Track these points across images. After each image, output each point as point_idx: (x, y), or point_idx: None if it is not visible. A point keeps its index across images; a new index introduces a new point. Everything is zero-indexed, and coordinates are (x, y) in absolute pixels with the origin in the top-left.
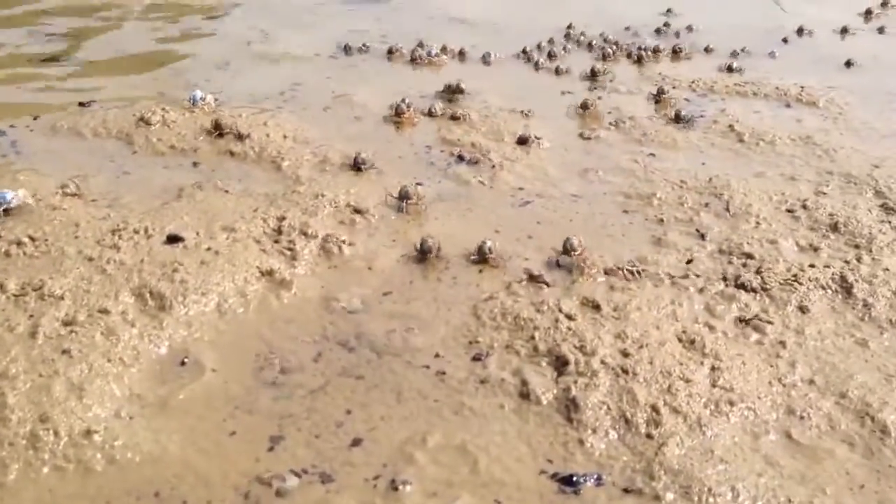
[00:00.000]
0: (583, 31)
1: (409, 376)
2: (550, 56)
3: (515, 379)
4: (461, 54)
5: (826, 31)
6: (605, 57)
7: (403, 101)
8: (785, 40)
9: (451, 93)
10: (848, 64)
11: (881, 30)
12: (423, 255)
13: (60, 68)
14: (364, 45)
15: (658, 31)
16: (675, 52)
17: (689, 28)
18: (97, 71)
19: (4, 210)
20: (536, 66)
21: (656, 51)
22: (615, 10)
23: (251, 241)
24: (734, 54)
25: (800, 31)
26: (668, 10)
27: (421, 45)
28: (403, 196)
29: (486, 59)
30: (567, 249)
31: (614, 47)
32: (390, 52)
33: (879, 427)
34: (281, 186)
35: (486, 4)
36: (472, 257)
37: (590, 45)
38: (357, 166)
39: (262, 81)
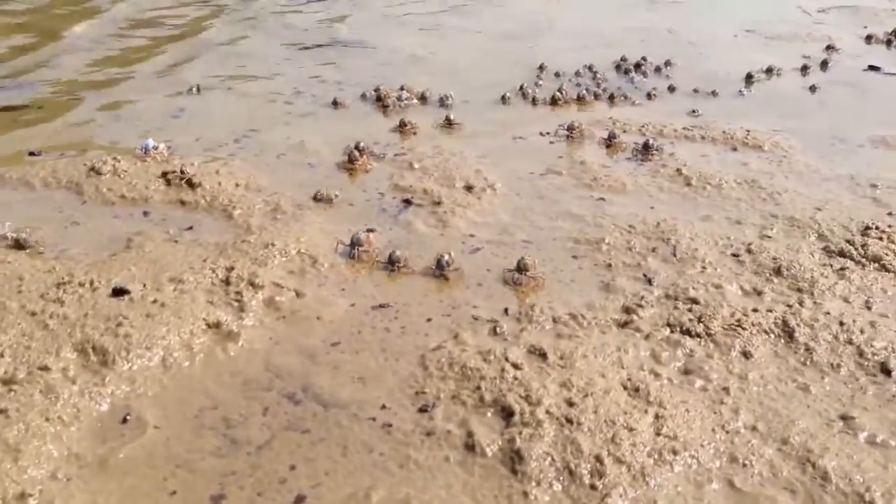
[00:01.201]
0: (539, 80)
1: (355, 429)
2: (504, 100)
3: (461, 430)
4: (423, 98)
5: (771, 75)
6: (555, 101)
7: (357, 147)
8: (734, 85)
9: (403, 133)
10: (792, 107)
11: (815, 70)
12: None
13: (10, 116)
14: (318, 91)
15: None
16: (625, 98)
17: (640, 69)
18: (49, 119)
19: None
20: (497, 106)
21: (597, 96)
22: (574, 51)
23: (199, 293)
24: (677, 98)
25: (748, 78)
26: (623, 58)
27: (377, 90)
28: (355, 243)
29: (443, 102)
30: (520, 267)
31: (564, 93)
32: (335, 103)
33: (820, 474)
34: (231, 235)
35: (441, 50)
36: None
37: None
38: (317, 199)
39: (216, 129)
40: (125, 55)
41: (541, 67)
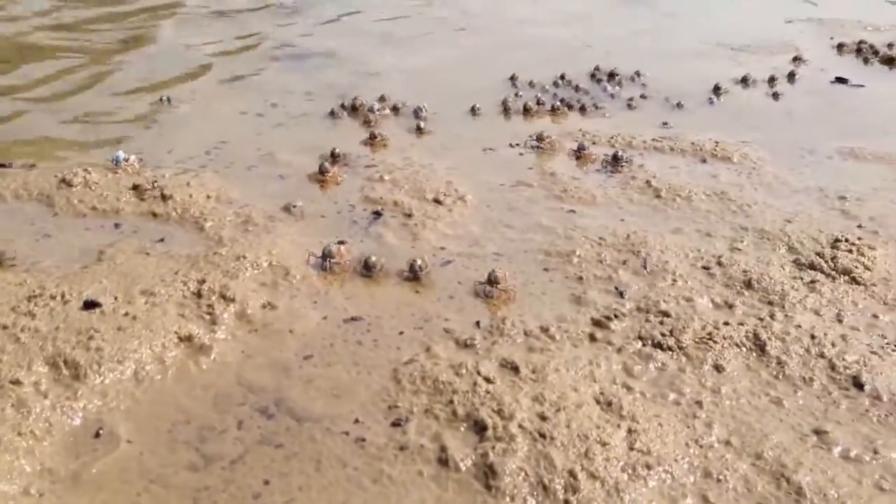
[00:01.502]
0: (511, 91)
1: (329, 443)
2: (474, 111)
3: (434, 445)
4: (395, 109)
5: (739, 86)
6: (526, 112)
7: (332, 154)
8: (703, 96)
9: (374, 145)
10: (760, 119)
11: (783, 82)
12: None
13: None
14: (289, 102)
15: (589, 82)
16: (596, 108)
17: (613, 80)
18: (18, 130)
19: None
20: (468, 117)
21: (570, 107)
22: (550, 61)
23: (170, 306)
24: (647, 109)
25: (717, 89)
26: (597, 68)
27: (352, 101)
28: (326, 255)
29: (417, 114)
30: (491, 280)
31: (535, 104)
32: (306, 114)
33: (794, 489)
34: (203, 248)
35: (411, 60)
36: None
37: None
38: (288, 211)
39: (187, 141)
40: (94, 65)
41: (512, 78)
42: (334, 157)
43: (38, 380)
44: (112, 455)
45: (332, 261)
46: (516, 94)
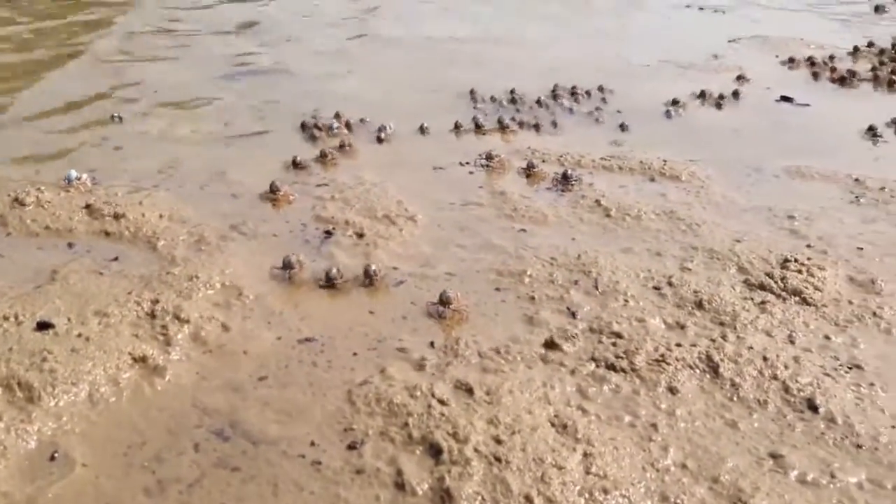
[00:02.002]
0: (466, 109)
1: (285, 466)
2: (423, 130)
3: (391, 468)
4: (348, 126)
5: (686, 104)
6: (478, 129)
7: (294, 162)
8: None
9: (325, 164)
10: (707, 137)
11: (728, 100)
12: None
13: None
14: (242, 120)
15: (539, 102)
16: (541, 126)
17: (558, 98)
18: None
19: None
20: (419, 135)
21: (522, 125)
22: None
23: (124, 326)
24: (595, 127)
25: (664, 108)
26: (556, 86)
27: (308, 118)
28: (287, 266)
29: (381, 131)
30: (443, 301)
31: (486, 122)
32: (259, 133)
33: None
34: (156, 267)
35: (365, 80)
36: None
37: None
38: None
39: (139, 160)
40: (43, 82)
41: (471, 93)
42: (294, 168)
43: None
44: (68, 478)
45: (292, 271)
46: (475, 107)
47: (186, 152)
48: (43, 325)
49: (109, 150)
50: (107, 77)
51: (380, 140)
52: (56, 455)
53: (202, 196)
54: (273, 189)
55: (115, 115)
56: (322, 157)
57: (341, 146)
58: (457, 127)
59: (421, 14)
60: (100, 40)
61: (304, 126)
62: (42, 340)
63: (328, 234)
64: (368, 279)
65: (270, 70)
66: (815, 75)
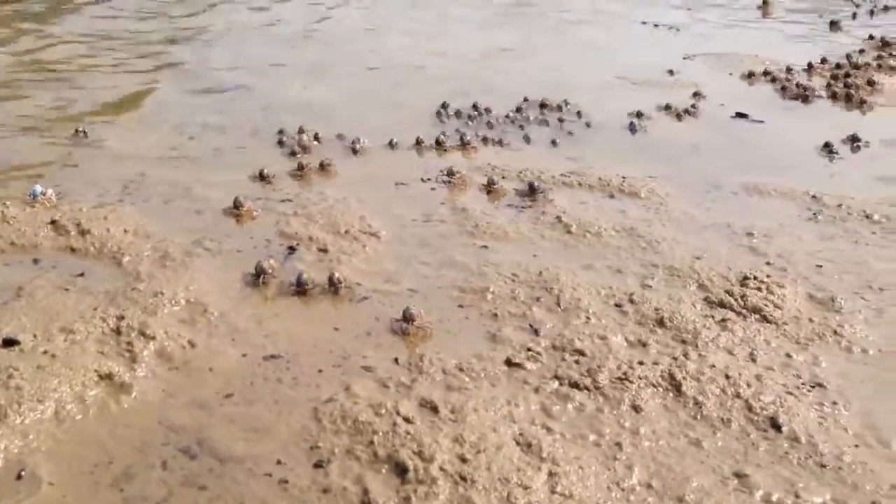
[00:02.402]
0: (439, 123)
1: (252, 485)
2: (391, 145)
3: (357, 487)
4: (317, 139)
5: (643, 120)
6: (439, 145)
7: (262, 176)
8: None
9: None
10: (664, 153)
11: (684, 117)
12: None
13: None
14: (205, 136)
15: (502, 118)
16: (500, 142)
17: (520, 112)
18: None
19: None
20: (383, 151)
21: (485, 141)
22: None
23: (90, 343)
24: (554, 143)
25: (621, 124)
26: (521, 106)
27: (276, 133)
28: (259, 272)
29: (355, 145)
30: (406, 317)
31: (447, 138)
32: (219, 149)
33: None
34: (121, 283)
35: (328, 95)
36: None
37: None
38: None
39: (103, 175)
40: (7, 96)
41: (443, 108)
42: (260, 182)
43: None
44: (34, 497)
45: (265, 276)
46: (441, 122)
47: (151, 167)
48: (8, 342)
49: (74, 165)
50: (70, 90)
51: (355, 151)
52: (23, 474)
53: (166, 211)
54: (237, 204)
55: (80, 129)
56: (299, 170)
57: (302, 162)
58: (418, 143)
59: (388, 29)
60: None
61: (271, 142)
62: (7, 357)
63: (292, 249)
64: (334, 287)
65: (234, 85)
66: (772, 91)
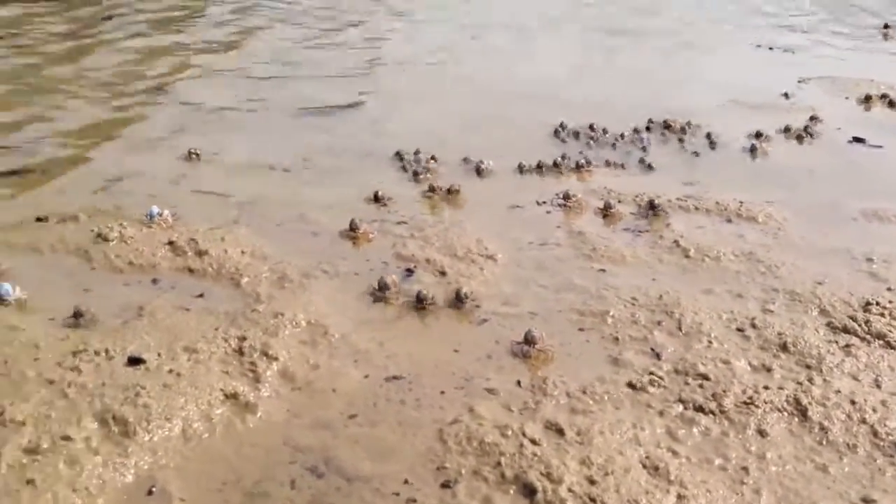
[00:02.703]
0: (550, 145)
1: None
2: (521, 169)
3: None
4: (433, 159)
5: (759, 144)
6: (556, 167)
7: (377, 198)
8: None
9: (401, 202)
10: (782, 178)
11: (800, 140)
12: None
13: (15, 183)
14: (317, 157)
15: (618, 139)
16: (617, 165)
17: (638, 134)
18: (53, 185)
19: None
20: (498, 173)
21: (608, 163)
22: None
23: (213, 363)
24: (671, 166)
25: (738, 148)
26: (639, 127)
27: (401, 152)
28: (383, 287)
29: (479, 170)
30: (527, 340)
31: (563, 159)
32: (332, 170)
33: None
34: (241, 304)
35: (437, 117)
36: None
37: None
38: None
39: (217, 196)
40: (119, 119)
41: (561, 127)
42: (375, 202)
43: (89, 436)
44: None
45: (388, 292)
46: (563, 140)
47: (263, 189)
48: (134, 361)
49: (186, 187)
50: (177, 113)
51: (479, 173)
52: (153, 490)
53: (281, 233)
54: (353, 227)
55: (192, 151)
56: (430, 192)
57: (412, 185)
58: (539, 166)
59: (493, 50)
60: (179, 78)
61: (403, 167)
62: (134, 375)
63: (409, 271)
64: (460, 301)
65: (343, 106)
66: (890, 116)
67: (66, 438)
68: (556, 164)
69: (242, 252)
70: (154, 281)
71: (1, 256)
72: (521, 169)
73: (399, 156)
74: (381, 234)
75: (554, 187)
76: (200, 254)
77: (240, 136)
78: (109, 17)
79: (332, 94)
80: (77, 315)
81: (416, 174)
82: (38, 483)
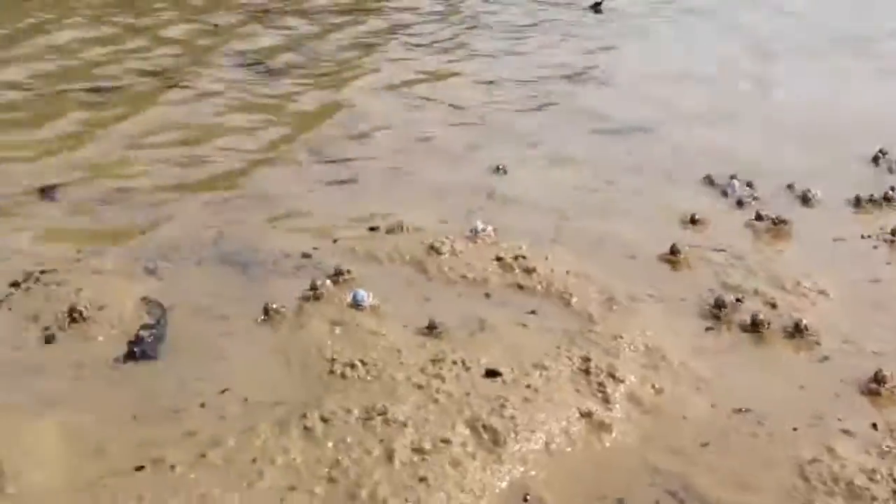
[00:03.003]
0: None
1: None
2: (858, 202)
3: None
4: (749, 185)
5: None
6: (887, 200)
7: (694, 218)
8: None
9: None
10: None
11: None
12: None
13: (349, 193)
14: (622, 179)
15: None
16: None
17: None
18: (380, 197)
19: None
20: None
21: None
22: None
23: (563, 381)
24: None
25: None
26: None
27: (710, 176)
28: (719, 304)
29: (805, 199)
30: (878, 380)
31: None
32: (637, 191)
33: None
34: (576, 324)
35: (737, 139)
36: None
37: None
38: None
39: (529, 213)
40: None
41: (881, 153)
42: (692, 225)
43: (464, 441)
44: None
45: (724, 311)
46: (889, 170)
47: (573, 209)
48: (491, 373)
49: (499, 203)
50: (484, 129)
51: (806, 202)
52: (528, 497)
53: (598, 253)
54: (673, 251)
55: (500, 166)
56: (757, 220)
57: (772, 216)
58: (856, 199)
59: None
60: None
61: (711, 183)
62: (494, 387)
63: (738, 300)
64: (799, 332)
65: (636, 125)
66: None
67: (445, 441)
68: (886, 198)
69: (567, 272)
70: (486, 295)
71: (350, 264)
72: (857, 201)
73: (709, 179)
74: (699, 259)
75: (877, 220)
76: (528, 271)
77: (536, 150)
78: None
79: (624, 114)
80: (431, 326)
81: (739, 202)
82: (430, 481)
